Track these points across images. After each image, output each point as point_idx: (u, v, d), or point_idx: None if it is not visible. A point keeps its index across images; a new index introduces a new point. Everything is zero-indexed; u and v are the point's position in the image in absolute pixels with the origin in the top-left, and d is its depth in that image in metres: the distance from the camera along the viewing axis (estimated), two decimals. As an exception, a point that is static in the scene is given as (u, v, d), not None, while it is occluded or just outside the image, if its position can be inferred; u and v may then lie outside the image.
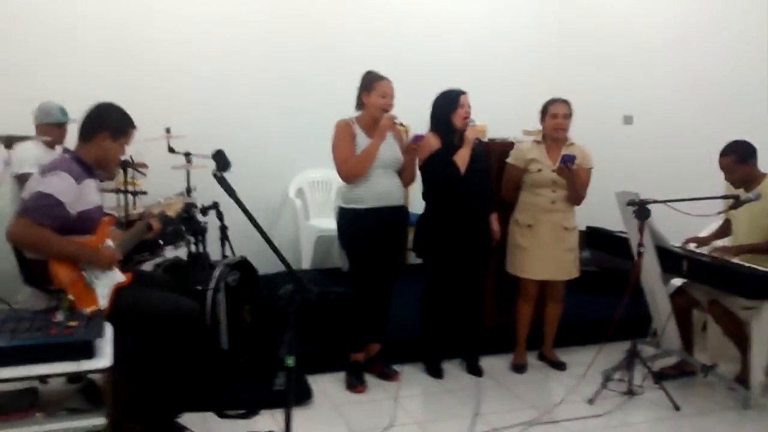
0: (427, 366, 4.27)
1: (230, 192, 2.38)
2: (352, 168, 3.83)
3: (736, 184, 3.98)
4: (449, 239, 4.01)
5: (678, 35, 5.40)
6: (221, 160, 2.47)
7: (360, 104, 3.92)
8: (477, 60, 5.97)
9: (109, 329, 2.55)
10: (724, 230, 4.30)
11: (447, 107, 3.99)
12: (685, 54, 5.32)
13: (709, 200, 3.94)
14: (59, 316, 2.50)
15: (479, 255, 4.16)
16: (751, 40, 4.79)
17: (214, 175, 2.40)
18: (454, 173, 3.91)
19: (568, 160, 3.99)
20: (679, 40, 5.39)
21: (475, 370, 4.26)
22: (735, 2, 4.91)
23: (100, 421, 2.39)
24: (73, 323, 2.44)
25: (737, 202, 3.80)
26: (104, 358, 2.34)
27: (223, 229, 4.55)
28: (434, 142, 3.98)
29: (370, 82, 3.85)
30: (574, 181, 4.07)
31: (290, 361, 2.44)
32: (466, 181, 3.94)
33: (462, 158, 3.91)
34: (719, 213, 4.10)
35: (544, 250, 4.16)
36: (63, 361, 2.30)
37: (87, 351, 2.32)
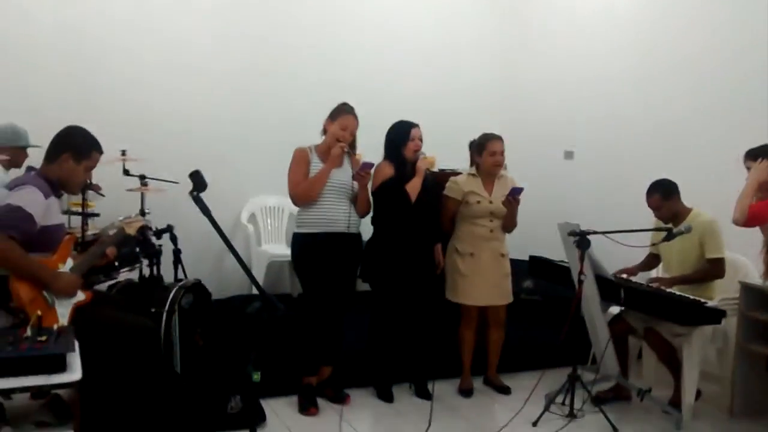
0: (377, 390, 4.36)
1: (206, 212, 2.46)
2: (302, 191, 3.95)
3: (664, 219, 4.23)
4: (396, 265, 4.15)
5: (616, 75, 5.71)
6: (198, 181, 2.54)
7: (324, 131, 4.05)
8: (429, 94, 6.18)
9: (77, 344, 2.58)
10: (649, 263, 4.56)
11: (398, 139, 4.16)
12: (623, 92, 5.63)
13: (644, 232, 4.22)
14: (28, 332, 2.52)
15: (426, 282, 4.30)
16: (685, 81, 5.12)
17: (191, 195, 2.48)
18: (405, 202, 4.05)
19: (518, 192, 4.19)
20: (618, 80, 5.69)
21: (424, 394, 4.36)
22: (673, 48, 5.23)
23: (68, 433, 2.42)
24: (42, 338, 2.47)
25: (670, 235, 4.05)
26: (75, 371, 2.38)
27: (177, 252, 4.57)
28: (388, 171, 4.12)
29: (337, 112, 4.00)
30: (515, 211, 4.27)
31: (257, 376, 2.51)
32: (416, 210, 4.10)
33: (413, 188, 4.06)
34: (653, 245, 4.37)
35: (484, 277, 4.33)
36: (35, 375, 2.32)
37: (59, 365, 2.35)
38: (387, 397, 4.31)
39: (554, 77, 6.35)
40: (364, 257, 4.24)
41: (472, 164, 4.49)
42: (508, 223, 4.36)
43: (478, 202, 4.30)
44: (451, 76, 6.53)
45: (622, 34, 5.69)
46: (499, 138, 4.35)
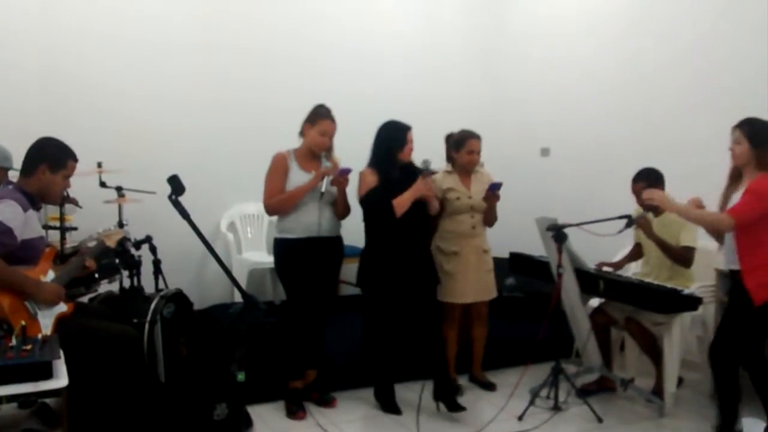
0: (381, 404, 4.21)
1: (185, 216, 2.47)
2: (275, 205, 4.00)
3: (647, 207, 4.28)
4: (392, 274, 4.02)
5: (593, 75, 5.81)
6: (176, 185, 2.55)
7: (302, 133, 4.05)
8: (408, 95, 6.16)
9: (62, 352, 2.58)
10: (636, 254, 4.61)
11: (394, 143, 4.03)
12: (599, 91, 5.73)
13: (611, 220, 4.16)
14: (13, 341, 2.51)
15: (426, 285, 4.18)
16: (661, 80, 5.21)
17: (170, 199, 2.49)
18: (390, 216, 3.94)
19: (497, 188, 4.22)
20: (594, 80, 5.79)
21: (457, 407, 4.10)
22: (651, 42, 5.33)
23: (57, 440, 2.42)
24: (27, 347, 2.47)
25: (630, 222, 4.09)
26: (61, 378, 2.38)
27: (157, 263, 4.56)
28: (371, 179, 4.03)
29: (316, 116, 4.00)
30: (495, 205, 4.31)
31: (241, 377, 2.52)
32: (406, 220, 3.97)
33: (401, 203, 3.93)
34: (619, 232, 4.29)
35: (470, 274, 4.33)
36: (22, 383, 2.33)
37: (46, 372, 2.36)
38: (393, 409, 4.17)
39: (531, 77, 6.44)
40: (360, 265, 4.19)
41: (448, 158, 4.50)
42: (490, 217, 4.38)
43: (458, 198, 4.31)
44: (430, 77, 6.58)
45: (599, 37, 5.78)
46: (478, 137, 4.35)
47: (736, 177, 3.58)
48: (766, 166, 3.44)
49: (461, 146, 4.35)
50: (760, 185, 3.39)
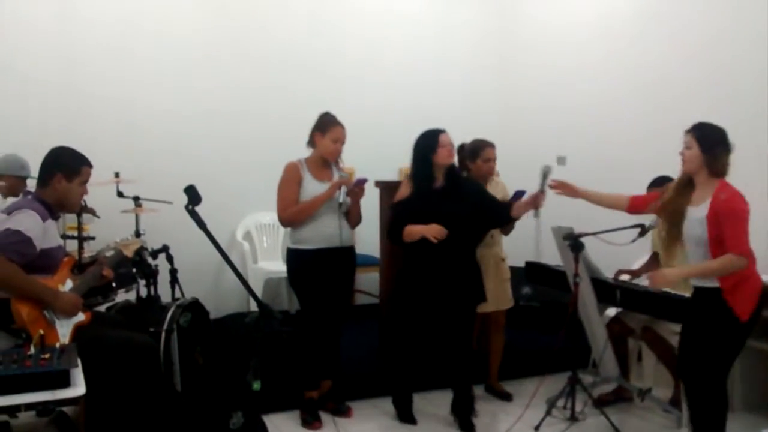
0: (399, 413, 4.19)
1: (202, 225, 2.49)
2: (289, 216, 3.98)
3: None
4: (430, 291, 3.87)
5: (608, 83, 5.79)
6: (192, 195, 2.57)
7: (312, 142, 4.06)
8: (423, 105, 6.17)
9: (79, 361, 2.60)
10: (653, 262, 4.57)
11: (427, 149, 3.89)
12: (615, 98, 5.70)
13: (627, 229, 4.15)
14: (31, 350, 2.54)
15: (467, 303, 4.01)
16: (675, 90, 5.18)
17: (187, 209, 2.51)
18: (397, 238, 3.86)
19: (521, 195, 4.15)
20: (609, 87, 5.77)
21: (469, 427, 4.05)
22: (664, 47, 5.31)
23: (74, 448, 2.44)
24: (46, 356, 2.49)
25: (643, 230, 4.06)
26: (79, 387, 2.40)
27: (173, 272, 4.59)
28: (404, 191, 3.96)
29: (326, 124, 4.00)
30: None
31: (257, 386, 2.53)
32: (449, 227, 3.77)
33: (411, 233, 3.77)
34: (632, 241, 4.20)
35: (488, 283, 4.25)
36: (40, 391, 2.35)
37: (63, 380, 2.37)
38: (409, 419, 4.15)
39: (545, 84, 6.42)
40: (397, 280, 4.10)
41: (461, 169, 4.48)
42: (508, 226, 4.33)
43: None
44: (445, 87, 6.59)
45: (613, 45, 5.76)
46: (492, 145, 4.34)
47: (686, 184, 3.40)
48: (718, 172, 3.28)
49: (477, 155, 4.32)
50: (731, 205, 3.18)
